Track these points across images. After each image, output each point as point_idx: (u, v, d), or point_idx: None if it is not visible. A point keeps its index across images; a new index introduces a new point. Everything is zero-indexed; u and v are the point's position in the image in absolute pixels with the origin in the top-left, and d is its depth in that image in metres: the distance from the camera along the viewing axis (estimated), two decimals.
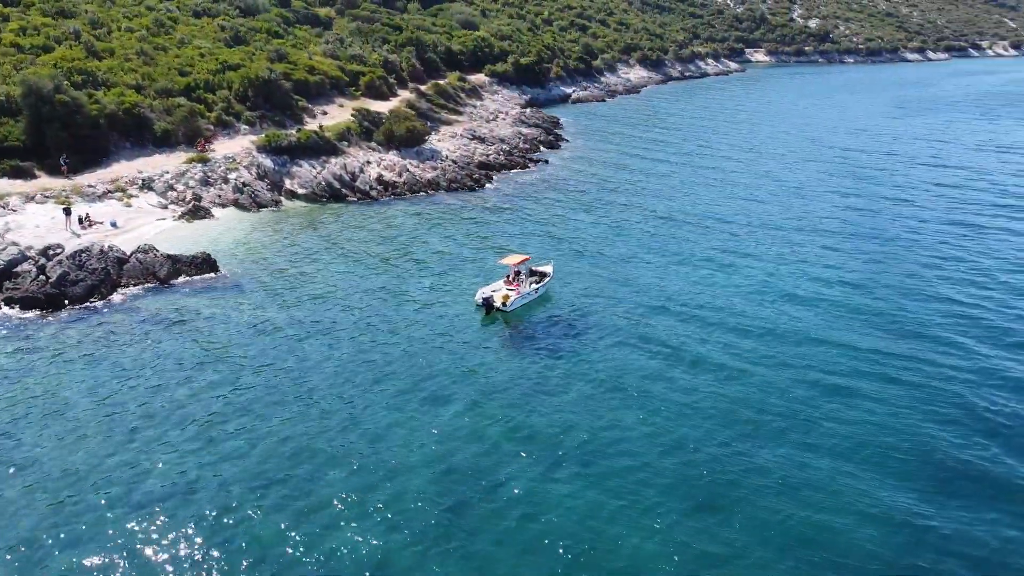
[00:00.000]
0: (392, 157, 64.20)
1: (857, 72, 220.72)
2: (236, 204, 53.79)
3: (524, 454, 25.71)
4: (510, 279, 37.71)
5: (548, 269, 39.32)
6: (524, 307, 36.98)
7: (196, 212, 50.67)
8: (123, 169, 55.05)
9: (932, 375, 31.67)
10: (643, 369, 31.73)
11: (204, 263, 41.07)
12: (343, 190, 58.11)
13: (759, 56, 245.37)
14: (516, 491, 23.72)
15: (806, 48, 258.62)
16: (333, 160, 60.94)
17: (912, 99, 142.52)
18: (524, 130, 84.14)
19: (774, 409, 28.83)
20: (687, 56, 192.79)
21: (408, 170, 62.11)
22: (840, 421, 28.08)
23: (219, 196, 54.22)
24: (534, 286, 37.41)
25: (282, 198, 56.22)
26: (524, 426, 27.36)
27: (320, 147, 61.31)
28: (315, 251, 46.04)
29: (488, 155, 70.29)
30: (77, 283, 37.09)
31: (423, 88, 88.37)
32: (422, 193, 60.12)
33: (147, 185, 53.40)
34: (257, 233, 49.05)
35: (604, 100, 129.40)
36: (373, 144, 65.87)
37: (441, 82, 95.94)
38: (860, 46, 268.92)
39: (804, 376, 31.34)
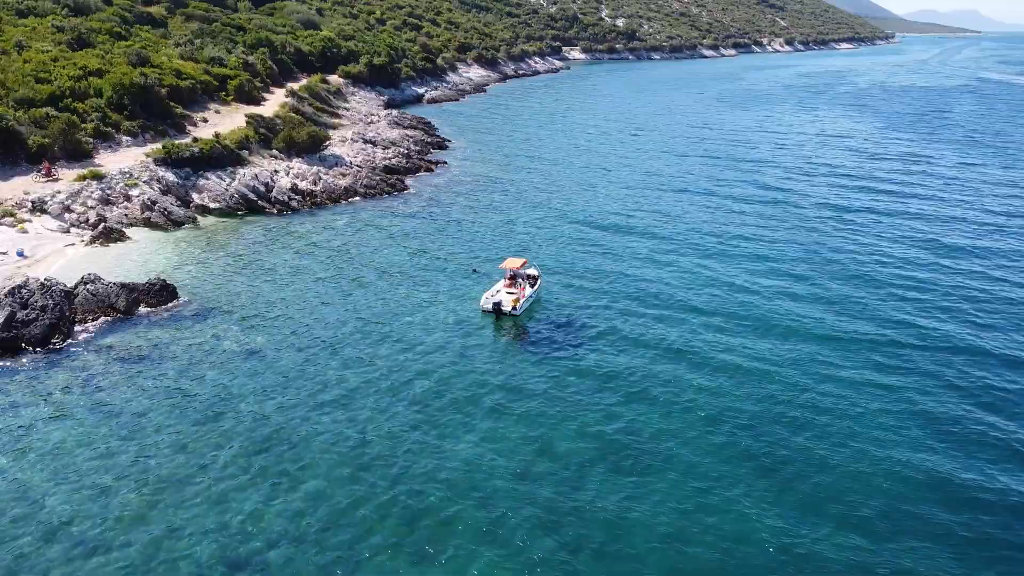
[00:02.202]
0: (301, 165, 61.10)
1: (667, 67, 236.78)
2: (148, 223, 49.02)
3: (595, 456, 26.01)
4: (510, 282, 37.56)
5: (534, 272, 39.52)
6: (525, 310, 37.03)
7: (109, 235, 45.61)
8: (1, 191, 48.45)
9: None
10: (660, 364, 32.96)
11: (163, 290, 37.25)
12: (259, 202, 54.59)
13: (575, 54, 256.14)
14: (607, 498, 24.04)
15: (617, 46, 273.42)
16: (241, 170, 57.03)
17: (733, 92, 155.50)
18: (408, 132, 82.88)
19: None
20: (518, 55, 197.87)
21: (321, 178, 59.42)
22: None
23: (125, 215, 49.14)
24: (530, 289, 37.51)
25: (195, 214, 51.85)
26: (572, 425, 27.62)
27: (224, 157, 57.14)
28: (264, 268, 43.11)
29: (389, 159, 68.71)
30: (30, 323, 32.37)
31: (296, 90, 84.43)
32: (343, 201, 57.80)
33: (39, 207, 47.33)
34: (189, 253, 45.05)
35: (458, 99, 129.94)
36: (274, 152, 62.32)
37: (300, 84, 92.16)
38: (664, 43, 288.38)
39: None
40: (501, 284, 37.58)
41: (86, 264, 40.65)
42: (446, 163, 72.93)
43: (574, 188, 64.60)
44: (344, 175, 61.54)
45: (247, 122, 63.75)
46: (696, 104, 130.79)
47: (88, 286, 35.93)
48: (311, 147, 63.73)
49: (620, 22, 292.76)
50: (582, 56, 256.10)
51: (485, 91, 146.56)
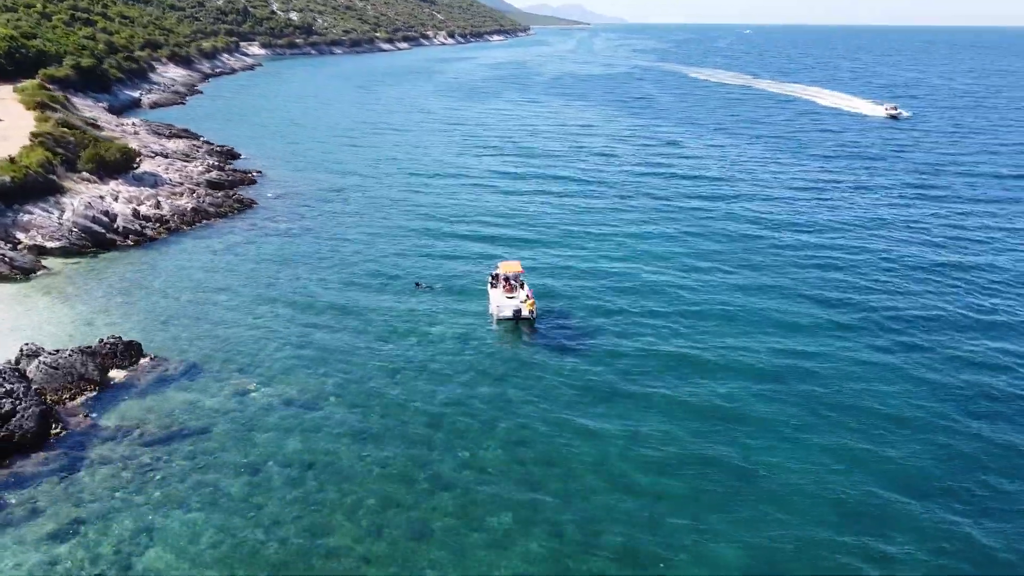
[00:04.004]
0: (126, 187, 52.33)
1: (358, 61, 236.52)
2: None
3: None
4: (510, 287, 37.15)
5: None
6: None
7: None
8: None
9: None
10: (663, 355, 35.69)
11: (128, 350, 30.72)
12: (108, 234, 46.06)
13: (255, 49, 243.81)
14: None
15: (298, 40, 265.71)
16: (67, 200, 47.42)
17: (450, 84, 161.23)
18: (191, 143, 74.31)
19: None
20: (209, 51, 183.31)
21: (161, 200, 51.69)
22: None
23: None
24: (525, 289, 37.49)
25: (35, 257, 42.37)
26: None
27: (40, 186, 47.00)
28: (196, 304, 37.29)
29: (209, 173, 61.56)
30: (15, 415, 24.97)
31: (42, 99, 70.75)
32: (197, 224, 50.98)
33: None
34: (82, 303, 37.14)
35: (182, 103, 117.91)
36: (83, 174, 52.46)
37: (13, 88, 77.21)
38: (343, 38, 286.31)
39: None
40: (500, 290, 37.08)
41: None
42: (261, 172, 67.19)
43: (405, 181, 63.89)
44: (178, 194, 54.09)
45: (37, 141, 52.59)
46: (433, 98, 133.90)
47: (40, 359, 28.44)
48: (124, 165, 54.81)
49: (294, 16, 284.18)
50: (262, 52, 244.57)
51: (200, 92, 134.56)
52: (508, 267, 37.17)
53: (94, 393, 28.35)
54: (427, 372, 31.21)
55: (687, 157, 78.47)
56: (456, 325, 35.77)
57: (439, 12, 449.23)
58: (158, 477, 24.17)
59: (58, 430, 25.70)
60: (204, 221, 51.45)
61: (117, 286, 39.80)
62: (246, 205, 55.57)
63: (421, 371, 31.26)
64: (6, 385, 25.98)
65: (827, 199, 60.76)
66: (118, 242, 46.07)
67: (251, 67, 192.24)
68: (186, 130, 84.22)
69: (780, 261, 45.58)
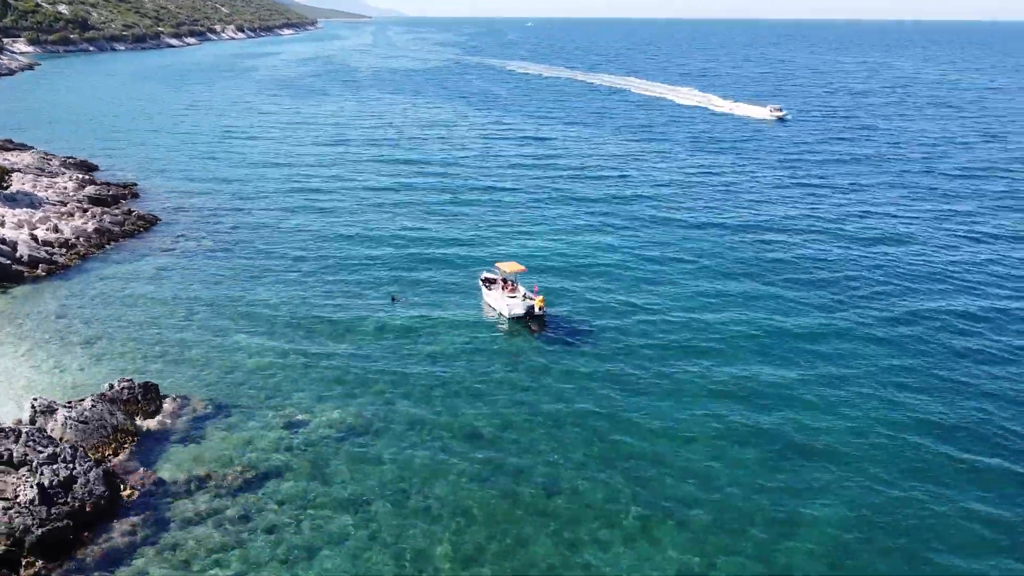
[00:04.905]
0: (11, 210, 45.60)
1: (146, 58, 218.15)
2: None
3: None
4: (511, 287, 36.96)
5: (494, 275, 39.21)
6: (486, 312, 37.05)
7: None
8: None
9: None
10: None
11: (147, 392, 27.33)
12: (14, 266, 40.09)
13: (21, 47, 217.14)
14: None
15: (71, 36, 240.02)
16: None
17: (265, 82, 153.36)
18: (32, 156, 65.63)
19: None
20: None
21: (57, 224, 45.65)
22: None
23: None
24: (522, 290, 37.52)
25: None
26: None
27: None
28: (178, 339, 33.79)
29: (81, 190, 54.93)
30: (75, 481, 21.57)
31: None
32: (109, 246, 45.66)
33: None
34: (46, 349, 32.41)
35: None
36: None
37: None
38: (125, 33, 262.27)
39: None
40: (501, 291, 36.90)
41: None
42: (136, 184, 60.98)
43: (293, 185, 61.11)
44: (67, 214, 48.01)
45: None
46: (263, 97, 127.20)
47: (63, 414, 24.67)
48: None
49: (63, 8, 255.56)
50: (30, 49, 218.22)
51: None
52: (509, 267, 37.08)
53: (134, 444, 25.13)
54: (456, 383, 30.43)
55: (566, 151, 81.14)
56: (456, 334, 35.13)
57: (223, 5, 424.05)
58: (264, 527, 22.14)
59: (128, 491, 22.61)
60: (113, 243, 46.15)
61: (60, 324, 34.99)
62: (150, 222, 50.44)
63: (449, 383, 30.49)
64: (45, 448, 22.48)
65: (626, 173, 65.82)
66: (26, 273, 40.24)
67: (29, 67, 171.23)
68: (10, 141, 74.01)
69: (671, 235, 49.10)
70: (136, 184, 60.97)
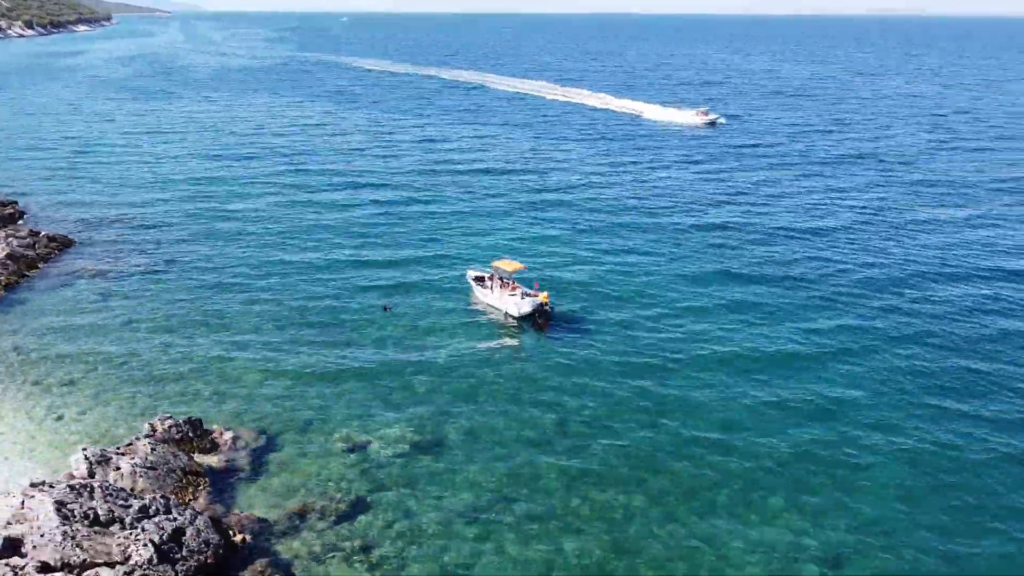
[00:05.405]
0: None
1: None
2: None
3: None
4: (512, 286, 36.66)
5: (484, 273, 38.81)
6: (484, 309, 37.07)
7: None
8: None
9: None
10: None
11: (194, 428, 25.02)
12: None
13: None
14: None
15: None
16: None
17: (91, 85, 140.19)
18: None
19: None
20: None
21: None
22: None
23: None
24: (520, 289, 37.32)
25: None
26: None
27: None
28: (172, 369, 30.96)
29: None
30: (184, 533, 19.47)
31: None
32: (32, 273, 40.67)
33: None
34: (24, 390, 28.53)
35: None
36: None
37: None
38: None
39: None
40: (502, 291, 36.60)
41: None
42: (16, 202, 54.33)
43: (195, 191, 57.37)
44: None
45: None
46: (99, 102, 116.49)
47: (126, 462, 22.04)
48: None
49: None
50: None
51: None
52: (508, 265, 36.88)
53: (208, 485, 22.96)
54: (488, 385, 30.45)
55: (459, 148, 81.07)
56: (466, 336, 34.75)
57: (3, 0, 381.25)
58: (393, 553, 21.18)
59: (239, 536, 20.70)
60: (33, 270, 41.11)
61: (25, 366, 30.95)
62: (63, 244, 45.40)
63: (480, 384, 30.41)
64: (128, 502, 20.15)
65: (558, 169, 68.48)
66: None
67: None
68: None
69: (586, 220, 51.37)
70: (17, 202, 54.31)
